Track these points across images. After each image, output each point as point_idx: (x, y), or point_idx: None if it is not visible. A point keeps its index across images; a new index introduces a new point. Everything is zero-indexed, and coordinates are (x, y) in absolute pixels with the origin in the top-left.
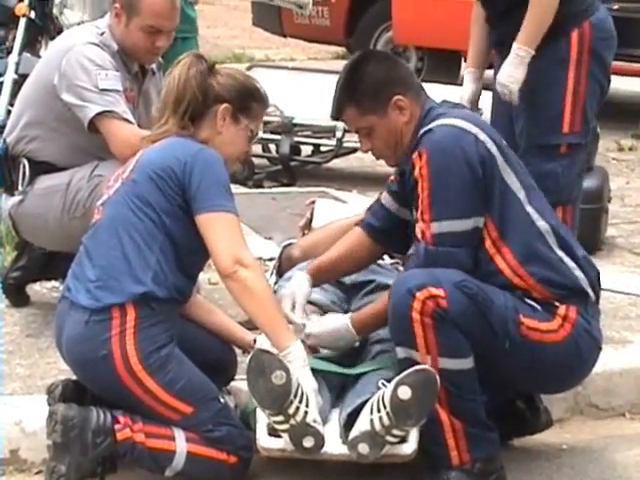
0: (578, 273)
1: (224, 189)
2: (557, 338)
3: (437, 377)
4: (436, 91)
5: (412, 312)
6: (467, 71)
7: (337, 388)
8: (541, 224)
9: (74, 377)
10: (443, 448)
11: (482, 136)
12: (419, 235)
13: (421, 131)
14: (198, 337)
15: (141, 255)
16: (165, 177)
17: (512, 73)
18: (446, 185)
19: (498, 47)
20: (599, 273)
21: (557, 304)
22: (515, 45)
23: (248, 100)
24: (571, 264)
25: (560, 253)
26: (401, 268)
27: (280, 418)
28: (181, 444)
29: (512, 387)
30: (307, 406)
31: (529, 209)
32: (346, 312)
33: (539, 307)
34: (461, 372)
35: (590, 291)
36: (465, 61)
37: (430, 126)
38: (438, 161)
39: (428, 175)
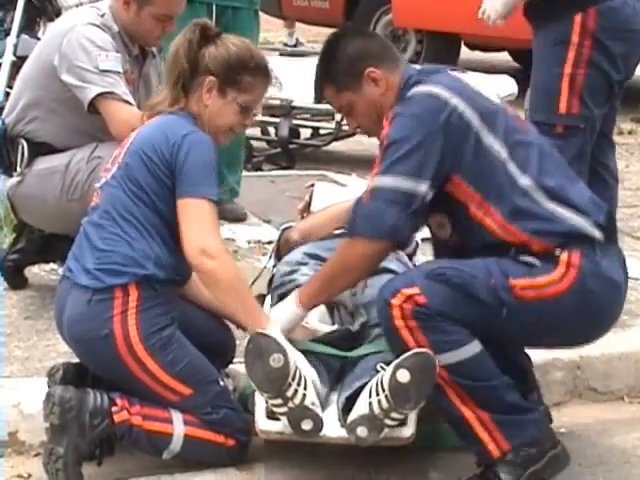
0: (575, 218)
1: (208, 174)
2: (561, 288)
3: (435, 360)
4: None
5: (394, 321)
6: None
7: (336, 371)
8: (523, 181)
9: (74, 360)
10: (480, 444)
11: (455, 100)
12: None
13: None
14: (198, 319)
15: (141, 238)
16: (155, 159)
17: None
18: (402, 143)
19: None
20: (610, 211)
21: (558, 253)
22: None
23: (238, 72)
24: (565, 213)
25: (550, 205)
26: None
27: (278, 401)
28: (179, 427)
29: (538, 347)
30: (305, 389)
31: (511, 168)
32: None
33: (538, 262)
34: (466, 362)
35: (596, 232)
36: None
37: (407, 94)
38: (401, 122)
39: (387, 134)
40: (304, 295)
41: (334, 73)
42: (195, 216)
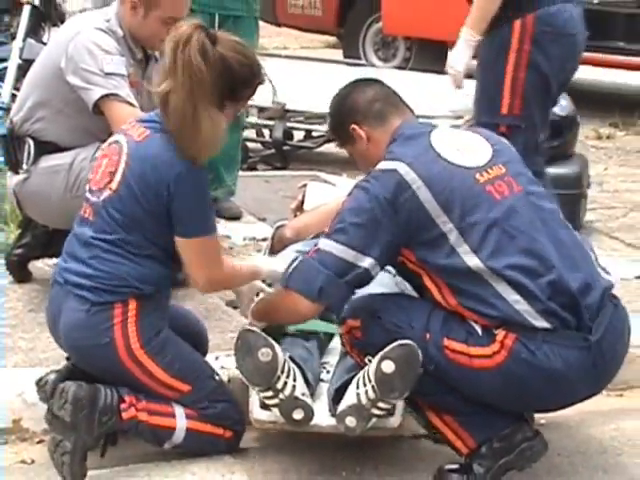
0: (521, 304)
1: (203, 210)
2: (490, 364)
3: (419, 351)
4: (422, 80)
5: (345, 345)
6: (464, 31)
7: (326, 345)
8: (473, 263)
9: (62, 366)
10: (450, 443)
11: (415, 186)
12: None
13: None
14: (178, 316)
15: (135, 262)
16: (150, 198)
17: (458, 56)
18: (354, 215)
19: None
20: (577, 299)
21: (495, 331)
22: (463, 29)
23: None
24: (511, 296)
25: (498, 287)
26: None
27: (269, 393)
28: (181, 421)
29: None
30: (295, 380)
31: (461, 250)
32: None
33: (479, 330)
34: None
35: (539, 321)
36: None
37: (377, 166)
38: (360, 195)
39: (346, 200)
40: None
41: (332, 129)
42: (198, 255)
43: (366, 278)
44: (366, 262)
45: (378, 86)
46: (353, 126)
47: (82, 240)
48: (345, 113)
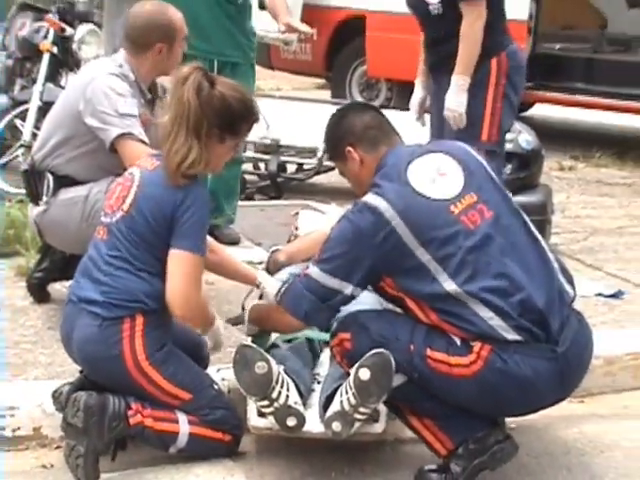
0: (495, 320)
1: (200, 231)
2: (467, 372)
3: (392, 359)
4: (401, 117)
5: (336, 357)
6: (418, 80)
7: (318, 355)
8: (451, 288)
9: (75, 378)
10: (429, 445)
11: (394, 222)
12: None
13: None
14: (180, 333)
15: (143, 278)
16: (160, 220)
17: (457, 99)
18: (338, 246)
19: (433, 71)
20: (545, 315)
21: (472, 343)
22: (454, 77)
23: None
24: (486, 314)
25: (475, 307)
26: None
27: (265, 402)
28: (184, 427)
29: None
30: (288, 390)
31: (440, 276)
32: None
33: (458, 341)
34: (396, 388)
35: (511, 335)
36: None
37: (362, 198)
38: (345, 227)
39: (333, 230)
40: (252, 312)
41: (328, 145)
42: (184, 268)
43: (348, 300)
44: (348, 289)
45: (373, 112)
46: (349, 148)
47: (95, 259)
48: (342, 133)
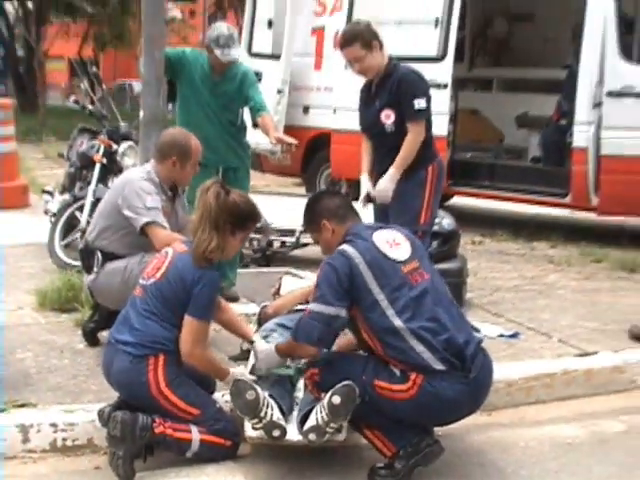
0: (427, 354)
1: (209, 303)
2: (406, 396)
3: (357, 389)
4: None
5: (308, 387)
6: (363, 176)
7: (297, 383)
8: (397, 323)
9: (114, 401)
10: (378, 449)
11: (361, 267)
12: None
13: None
14: (191, 368)
15: (166, 327)
16: (179, 290)
17: (387, 185)
18: (326, 284)
19: (381, 174)
20: (462, 350)
21: (409, 373)
22: (392, 169)
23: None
24: (421, 349)
25: (413, 342)
26: None
27: (255, 420)
28: (195, 435)
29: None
30: (272, 410)
31: (389, 313)
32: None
33: (398, 373)
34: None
35: (439, 366)
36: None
37: (338, 248)
38: (326, 269)
39: (319, 274)
40: (279, 349)
41: (305, 223)
42: (192, 330)
43: (345, 321)
44: (343, 312)
45: (342, 197)
46: (324, 222)
47: (132, 311)
48: (319, 211)
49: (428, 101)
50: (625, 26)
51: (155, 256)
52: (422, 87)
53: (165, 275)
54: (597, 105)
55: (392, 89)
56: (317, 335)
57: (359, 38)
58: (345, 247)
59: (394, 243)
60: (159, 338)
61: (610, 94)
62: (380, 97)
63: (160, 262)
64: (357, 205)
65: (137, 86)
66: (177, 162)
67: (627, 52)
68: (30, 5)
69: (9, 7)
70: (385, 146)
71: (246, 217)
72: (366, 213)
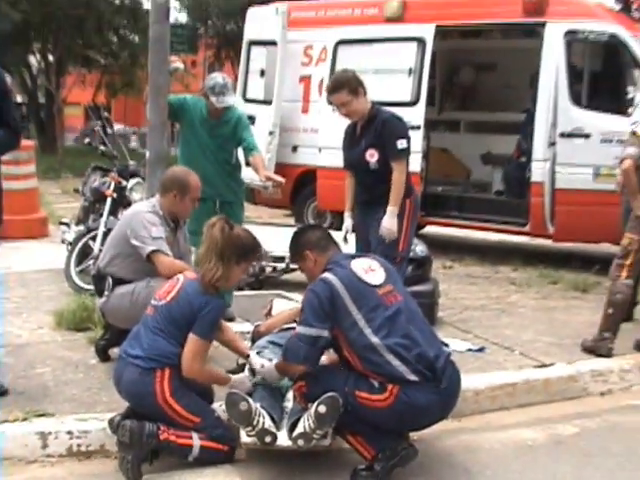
0: (402, 367)
1: (212, 325)
2: (384, 405)
3: (341, 400)
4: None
5: (297, 398)
6: (347, 213)
7: (286, 394)
8: (374, 340)
9: (124, 411)
10: (359, 453)
11: (341, 291)
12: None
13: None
14: (193, 380)
15: (172, 343)
16: (187, 312)
17: (391, 221)
18: (310, 308)
19: (366, 205)
20: (433, 363)
21: (386, 384)
22: (390, 207)
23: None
24: (396, 363)
25: (389, 357)
26: None
27: (249, 428)
28: (196, 441)
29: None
30: (264, 418)
31: (367, 331)
32: None
33: (377, 384)
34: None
35: (413, 377)
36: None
37: (320, 275)
38: (310, 295)
39: (304, 300)
40: (277, 367)
41: (290, 254)
42: (194, 348)
43: (328, 340)
44: (325, 332)
45: (323, 230)
46: (307, 252)
47: (143, 328)
48: (303, 243)
49: (408, 142)
50: (574, 76)
51: (167, 281)
52: (403, 129)
53: (175, 298)
54: (552, 144)
55: (376, 131)
56: (303, 354)
57: (346, 85)
58: (326, 275)
59: (370, 269)
60: (166, 353)
61: (562, 135)
62: (365, 138)
63: (171, 286)
64: (339, 237)
65: (116, 128)
66: (177, 195)
67: (576, 98)
68: (51, 58)
69: (32, 60)
70: (368, 181)
71: (248, 249)
72: (348, 246)
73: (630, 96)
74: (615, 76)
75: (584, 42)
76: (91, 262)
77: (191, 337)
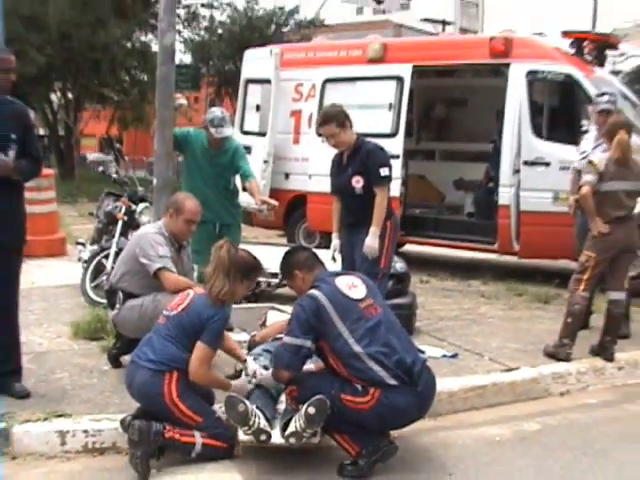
0: (382, 372)
1: (218, 335)
2: (366, 407)
3: (328, 402)
4: (325, 254)
5: (288, 400)
6: (334, 234)
7: (279, 397)
8: (357, 349)
9: (133, 408)
10: (345, 450)
11: (323, 300)
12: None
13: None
14: (196, 384)
15: (181, 350)
16: (197, 323)
17: (375, 241)
18: (296, 321)
19: (351, 227)
20: (411, 368)
21: (368, 388)
22: (373, 228)
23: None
24: (377, 369)
25: (370, 363)
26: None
27: (246, 428)
28: (198, 439)
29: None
30: (259, 419)
31: (350, 341)
32: None
33: (360, 388)
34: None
35: (392, 381)
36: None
37: (307, 292)
38: (297, 309)
39: (292, 313)
40: (272, 374)
41: (281, 272)
42: (200, 354)
43: (310, 350)
44: (307, 343)
45: (310, 251)
46: (296, 271)
47: (155, 335)
48: (292, 262)
49: (390, 169)
50: (536, 110)
51: (173, 295)
52: (385, 159)
53: (186, 310)
54: (516, 171)
55: (362, 160)
56: (286, 361)
57: (335, 119)
58: (313, 291)
59: (352, 285)
60: (175, 358)
61: (526, 163)
62: (351, 166)
63: (182, 299)
64: (327, 256)
65: (90, 156)
66: (173, 214)
67: (538, 131)
68: (70, 95)
69: (54, 97)
70: (353, 205)
71: (251, 269)
72: (336, 264)
73: (584, 128)
74: (571, 111)
75: (543, 81)
76: (104, 278)
77: (199, 345)
